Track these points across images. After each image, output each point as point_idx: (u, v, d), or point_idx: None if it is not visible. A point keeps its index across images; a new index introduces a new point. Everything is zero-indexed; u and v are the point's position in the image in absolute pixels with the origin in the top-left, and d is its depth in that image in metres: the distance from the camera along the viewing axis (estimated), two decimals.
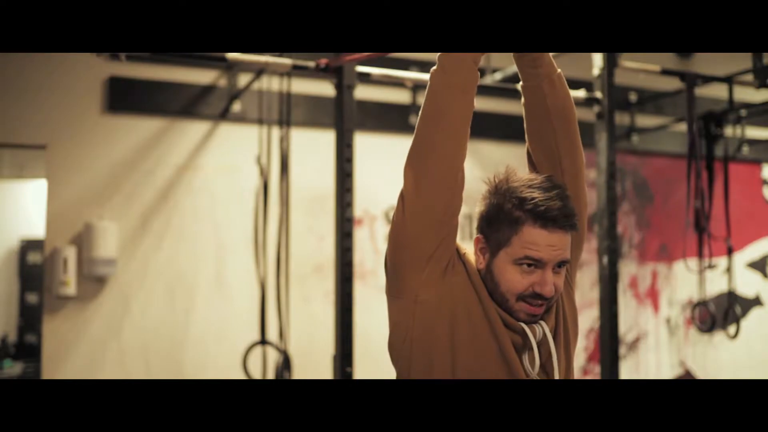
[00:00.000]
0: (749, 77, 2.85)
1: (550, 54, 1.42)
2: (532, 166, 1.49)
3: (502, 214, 1.33)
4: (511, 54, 1.43)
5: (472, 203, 1.45)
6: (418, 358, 1.34)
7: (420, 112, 1.34)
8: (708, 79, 3.00)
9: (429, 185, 1.31)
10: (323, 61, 2.40)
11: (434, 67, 1.34)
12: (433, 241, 1.32)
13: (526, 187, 1.33)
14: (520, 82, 1.46)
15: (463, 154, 1.34)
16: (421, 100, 1.36)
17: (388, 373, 1.44)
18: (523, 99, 1.46)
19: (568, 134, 1.43)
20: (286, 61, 2.44)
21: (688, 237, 3.12)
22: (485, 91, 3.40)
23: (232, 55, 2.35)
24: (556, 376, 1.36)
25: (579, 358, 3.95)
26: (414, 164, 1.33)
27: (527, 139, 1.48)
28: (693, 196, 3.04)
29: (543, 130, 1.43)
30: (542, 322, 1.37)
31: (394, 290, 1.39)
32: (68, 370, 2.95)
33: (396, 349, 1.39)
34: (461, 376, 1.32)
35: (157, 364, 3.09)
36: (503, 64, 3.14)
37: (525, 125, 1.47)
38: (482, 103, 4.01)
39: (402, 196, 1.34)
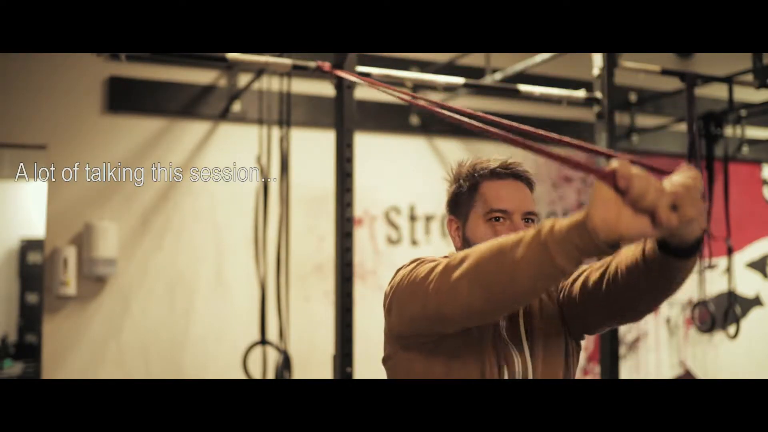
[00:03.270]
0: (749, 77, 2.84)
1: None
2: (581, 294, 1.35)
3: (463, 187, 1.41)
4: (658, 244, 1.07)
5: None
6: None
7: (487, 253, 1.09)
8: (708, 79, 3.00)
9: (422, 324, 1.26)
10: (324, 64, 2.39)
11: (544, 230, 1.00)
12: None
13: (480, 161, 1.42)
14: (647, 256, 1.11)
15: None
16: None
17: None
18: (633, 265, 1.16)
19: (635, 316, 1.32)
20: (286, 61, 2.44)
21: None
22: (485, 91, 3.41)
23: (232, 55, 2.35)
24: (524, 345, 1.36)
25: (579, 358, 3.95)
26: (431, 295, 1.18)
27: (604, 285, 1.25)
28: None
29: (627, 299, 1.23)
30: None
31: (392, 339, 1.39)
32: (68, 370, 2.95)
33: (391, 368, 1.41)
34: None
35: (157, 364, 3.09)
36: (503, 64, 3.14)
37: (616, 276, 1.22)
38: (482, 103, 4.02)
39: (393, 299, 1.31)
